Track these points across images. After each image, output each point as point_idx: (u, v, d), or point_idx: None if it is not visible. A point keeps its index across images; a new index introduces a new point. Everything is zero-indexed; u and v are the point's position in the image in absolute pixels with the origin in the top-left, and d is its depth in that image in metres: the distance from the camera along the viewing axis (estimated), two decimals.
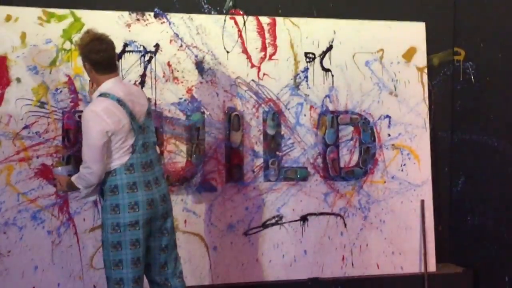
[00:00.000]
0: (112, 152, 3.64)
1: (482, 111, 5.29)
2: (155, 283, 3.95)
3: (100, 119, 3.56)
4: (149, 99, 3.98)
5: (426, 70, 5.30)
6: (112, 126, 3.57)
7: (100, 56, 3.67)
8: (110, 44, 3.73)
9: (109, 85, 3.69)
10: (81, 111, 4.53)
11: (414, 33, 5.27)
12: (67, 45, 4.59)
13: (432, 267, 5.23)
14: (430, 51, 5.34)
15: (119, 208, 3.65)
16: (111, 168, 3.66)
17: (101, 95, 3.68)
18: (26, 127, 4.53)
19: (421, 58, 5.28)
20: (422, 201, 5.23)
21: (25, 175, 4.53)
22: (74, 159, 4.54)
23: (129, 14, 4.74)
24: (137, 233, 3.67)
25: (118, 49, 4.16)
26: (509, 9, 5.04)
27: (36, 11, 4.56)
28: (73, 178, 3.73)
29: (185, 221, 4.80)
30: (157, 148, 3.98)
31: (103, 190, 3.70)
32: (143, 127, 3.75)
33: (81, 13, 4.62)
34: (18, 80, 4.52)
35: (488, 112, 5.23)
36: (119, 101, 3.63)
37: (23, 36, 4.52)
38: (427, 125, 5.28)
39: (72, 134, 4.60)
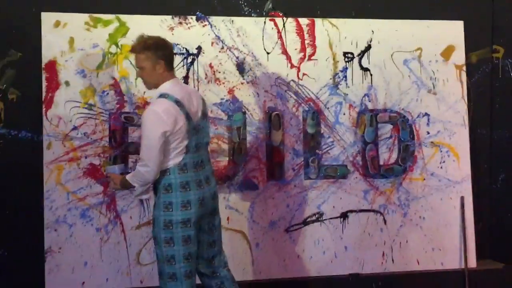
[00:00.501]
0: (168, 152, 3.72)
1: None
2: (204, 275, 4.06)
3: (161, 119, 3.64)
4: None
5: (464, 68, 5.29)
6: (171, 127, 3.65)
7: (169, 52, 3.82)
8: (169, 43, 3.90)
9: (168, 85, 3.79)
10: (127, 112, 4.72)
11: (452, 31, 5.28)
12: (113, 49, 4.74)
13: (472, 263, 5.22)
14: (468, 49, 5.34)
15: (172, 206, 3.74)
16: (166, 167, 3.74)
17: (161, 95, 3.77)
18: (74, 128, 4.68)
19: (459, 56, 5.28)
20: (462, 198, 5.23)
21: (74, 175, 4.68)
22: (120, 159, 4.70)
23: (172, 18, 4.85)
24: (189, 230, 3.76)
25: None
26: None
27: (83, 17, 4.71)
28: (129, 177, 3.82)
29: (228, 218, 4.90)
30: (209, 148, 4.06)
31: (157, 188, 3.79)
32: (197, 128, 3.83)
33: (126, 17, 4.77)
34: (67, 83, 4.68)
35: None
36: (177, 102, 3.72)
37: (71, 41, 4.68)
38: (466, 122, 5.28)
39: (119, 135, 4.74)
